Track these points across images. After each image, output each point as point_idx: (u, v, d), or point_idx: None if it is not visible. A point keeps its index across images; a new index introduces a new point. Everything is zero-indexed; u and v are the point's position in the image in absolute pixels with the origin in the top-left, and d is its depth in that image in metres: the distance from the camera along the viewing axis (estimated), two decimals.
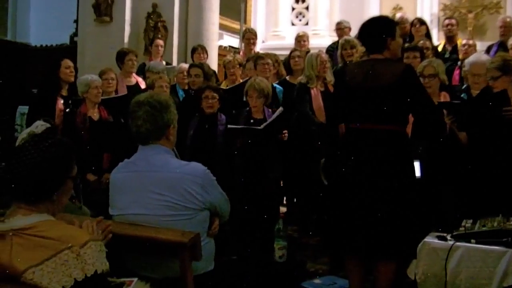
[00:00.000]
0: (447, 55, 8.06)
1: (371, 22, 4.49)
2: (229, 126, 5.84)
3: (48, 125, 2.28)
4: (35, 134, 2.30)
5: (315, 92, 6.32)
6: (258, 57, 7.17)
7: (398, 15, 9.26)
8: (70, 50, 11.26)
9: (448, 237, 3.91)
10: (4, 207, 2.25)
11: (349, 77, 4.39)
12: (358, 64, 4.59)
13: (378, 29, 4.35)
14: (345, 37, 7.88)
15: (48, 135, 2.32)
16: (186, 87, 7.31)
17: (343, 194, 4.27)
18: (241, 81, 6.97)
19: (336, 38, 9.87)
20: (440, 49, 8.31)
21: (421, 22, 8.32)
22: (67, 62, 6.63)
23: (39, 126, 2.24)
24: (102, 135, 6.13)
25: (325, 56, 6.50)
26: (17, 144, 2.29)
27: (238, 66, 7.36)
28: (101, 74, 6.75)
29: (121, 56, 7.70)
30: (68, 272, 2.06)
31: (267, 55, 7.32)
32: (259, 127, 5.80)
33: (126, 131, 3.44)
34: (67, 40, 13.20)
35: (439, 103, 5.04)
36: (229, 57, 7.76)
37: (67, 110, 6.37)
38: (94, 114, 6.26)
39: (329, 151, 5.81)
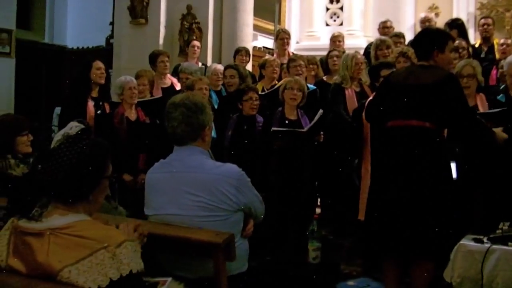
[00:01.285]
0: (483, 55, 7.96)
1: (424, 32, 4.60)
2: (273, 128, 5.82)
3: (83, 126, 2.30)
4: (70, 136, 2.33)
5: (350, 93, 6.27)
6: (290, 59, 7.18)
7: (422, 15, 9.16)
8: (106, 52, 11.40)
9: (485, 240, 3.87)
10: (41, 207, 2.28)
11: (393, 77, 4.47)
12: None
13: (427, 40, 4.41)
14: (380, 37, 7.80)
15: (83, 136, 2.34)
16: (219, 89, 7.32)
17: (381, 192, 4.27)
18: (277, 83, 6.97)
19: (371, 39, 9.81)
20: (476, 48, 8.21)
21: (450, 26, 8.15)
22: (98, 64, 6.63)
23: (74, 127, 2.26)
24: (139, 135, 6.18)
25: (360, 57, 6.44)
26: (52, 145, 2.32)
27: (278, 66, 7.38)
28: (135, 78, 6.75)
29: (153, 59, 7.70)
30: (104, 271, 2.08)
31: (299, 57, 7.31)
32: (303, 130, 5.80)
33: (162, 132, 3.46)
34: (103, 42, 13.35)
35: (478, 114, 5.01)
36: (269, 56, 7.77)
37: (98, 112, 6.41)
38: (131, 115, 6.30)
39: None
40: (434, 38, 4.43)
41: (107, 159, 2.41)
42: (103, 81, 6.64)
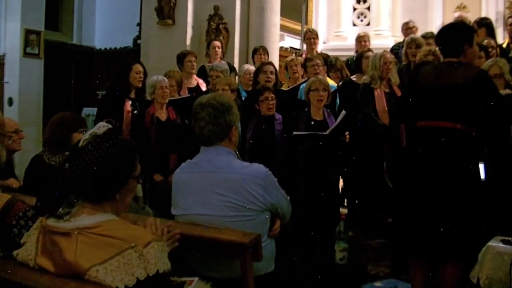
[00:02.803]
0: (511, 55, 7.85)
1: (450, 27, 4.51)
2: (294, 133, 5.80)
3: (110, 126, 2.31)
4: (97, 135, 2.34)
5: (379, 93, 6.21)
6: (307, 59, 7.15)
7: (456, 14, 9.06)
8: (133, 53, 11.47)
9: None
10: (68, 206, 2.30)
11: (422, 76, 4.38)
12: (433, 65, 4.55)
13: (457, 34, 4.33)
14: (412, 35, 7.76)
15: (110, 136, 2.35)
16: (250, 88, 7.32)
17: (409, 194, 4.24)
18: (302, 80, 6.96)
19: (399, 39, 9.73)
20: (504, 47, 8.10)
21: (479, 24, 8.07)
22: (138, 67, 6.67)
23: (101, 127, 2.26)
24: (169, 135, 6.20)
25: (389, 57, 6.36)
26: (80, 145, 2.33)
27: (300, 65, 7.34)
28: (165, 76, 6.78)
29: (181, 58, 7.75)
30: (131, 271, 2.09)
31: (316, 56, 7.29)
32: (325, 133, 5.77)
33: (192, 131, 3.47)
34: (130, 43, 13.44)
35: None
36: (290, 57, 7.75)
37: (135, 112, 6.46)
38: (162, 115, 6.33)
39: (392, 153, 5.76)
40: (464, 32, 4.37)
41: (134, 159, 2.42)
42: (140, 85, 6.66)
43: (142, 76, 6.70)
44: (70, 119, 4.32)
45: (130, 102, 6.52)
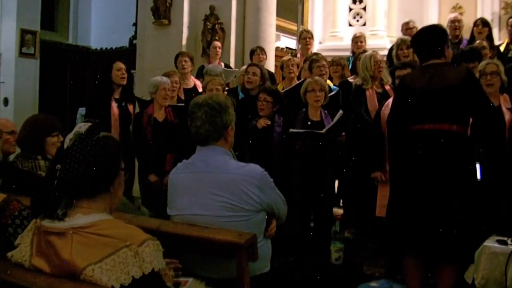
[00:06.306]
0: (510, 55, 7.86)
1: (428, 30, 4.54)
2: (291, 130, 5.81)
3: (90, 123, 2.34)
4: (81, 133, 2.35)
5: (371, 93, 6.23)
6: (313, 59, 7.13)
7: (452, 15, 9.08)
8: (129, 53, 11.44)
9: (509, 241, 3.84)
10: (66, 207, 2.29)
11: (410, 81, 4.38)
12: (421, 69, 4.55)
13: (437, 37, 4.39)
14: (401, 37, 7.77)
15: (93, 131, 2.36)
16: None
17: (405, 195, 4.24)
18: (297, 81, 6.96)
19: (395, 39, 9.73)
20: (502, 48, 8.10)
21: (484, 23, 8.11)
22: (119, 65, 6.63)
23: (82, 126, 2.29)
24: (166, 136, 6.19)
25: (379, 57, 6.41)
26: (65, 146, 2.34)
27: (296, 65, 7.35)
28: (167, 76, 6.74)
29: (175, 59, 7.76)
30: (126, 269, 2.09)
31: (322, 57, 7.28)
32: (321, 131, 5.78)
33: (188, 133, 3.47)
34: (126, 43, 13.42)
35: None
36: (287, 56, 7.75)
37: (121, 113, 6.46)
38: (160, 116, 6.32)
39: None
40: (442, 34, 4.46)
41: (120, 151, 2.43)
42: (124, 82, 6.62)
43: (124, 72, 6.66)
44: (42, 122, 4.25)
45: (116, 104, 6.50)
